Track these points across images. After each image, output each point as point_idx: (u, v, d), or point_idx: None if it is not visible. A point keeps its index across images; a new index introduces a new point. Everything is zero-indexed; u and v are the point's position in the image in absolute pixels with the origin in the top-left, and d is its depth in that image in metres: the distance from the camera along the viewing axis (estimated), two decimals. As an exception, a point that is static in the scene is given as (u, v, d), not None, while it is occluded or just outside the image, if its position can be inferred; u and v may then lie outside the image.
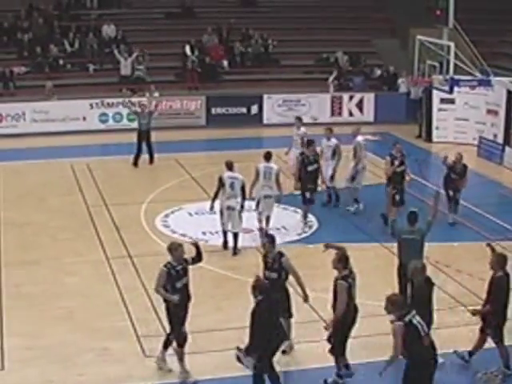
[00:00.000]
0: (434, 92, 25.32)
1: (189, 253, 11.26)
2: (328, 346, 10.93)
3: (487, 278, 11.27)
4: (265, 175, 16.54)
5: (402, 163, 17.29)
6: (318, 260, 13.93)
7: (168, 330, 11.31)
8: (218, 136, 26.43)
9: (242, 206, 16.02)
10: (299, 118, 20.95)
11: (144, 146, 22.76)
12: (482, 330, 11.43)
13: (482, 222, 18.02)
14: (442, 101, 25.86)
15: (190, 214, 18.44)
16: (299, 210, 18.03)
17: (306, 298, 11.50)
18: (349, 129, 19.82)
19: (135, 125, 23.42)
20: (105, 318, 12.95)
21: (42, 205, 19.11)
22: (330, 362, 11.05)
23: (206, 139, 27.11)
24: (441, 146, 25.57)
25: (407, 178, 17.58)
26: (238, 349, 10.20)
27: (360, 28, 32.20)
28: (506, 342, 11.49)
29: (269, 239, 11.74)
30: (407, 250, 12.59)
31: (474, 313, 11.34)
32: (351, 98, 29.36)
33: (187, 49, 29.90)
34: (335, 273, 10.85)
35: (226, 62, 30.41)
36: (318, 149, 18.73)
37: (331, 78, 29.42)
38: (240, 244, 15.96)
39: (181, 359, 11.09)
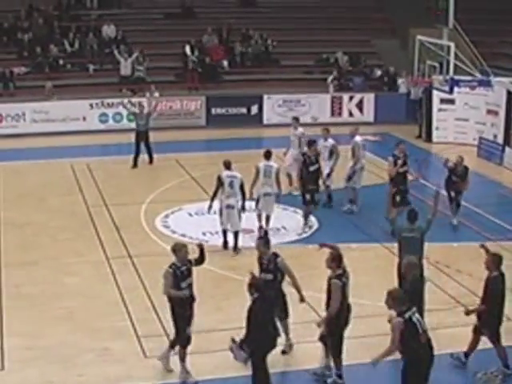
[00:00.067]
0: (434, 92, 25.32)
1: (191, 253, 11.25)
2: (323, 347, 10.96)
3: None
4: (265, 174, 16.66)
5: (404, 163, 17.27)
6: (318, 260, 13.85)
7: (172, 331, 11.29)
8: (218, 136, 26.44)
9: (244, 207, 16.04)
10: (296, 119, 20.94)
11: (143, 147, 22.75)
12: (475, 331, 11.43)
13: (482, 222, 18.03)
14: (442, 101, 25.86)
15: (190, 215, 18.44)
16: (299, 211, 18.02)
17: (302, 299, 11.50)
18: (349, 129, 19.81)
19: (135, 125, 23.38)
20: (105, 318, 12.95)
21: (42, 205, 19.12)
22: (329, 363, 11.06)
23: (206, 139, 27.11)
24: (441, 146, 25.60)
25: (411, 177, 17.58)
26: (233, 340, 10.30)
27: (360, 28, 32.21)
28: (506, 343, 11.50)
29: (263, 240, 11.72)
30: (407, 248, 12.63)
31: (467, 312, 11.35)
32: (351, 98, 29.37)
33: (187, 49, 29.92)
34: (329, 272, 10.86)
35: (226, 63, 30.43)
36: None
37: (330, 78, 29.44)
38: (240, 244, 15.96)
39: (182, 360, 11.08)
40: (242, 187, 15.89)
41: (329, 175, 18.74)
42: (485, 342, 11.52)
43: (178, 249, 10.96)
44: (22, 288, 14.21)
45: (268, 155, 16.83)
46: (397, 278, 12.63)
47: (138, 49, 29.26)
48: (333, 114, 29.12)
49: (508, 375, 11.23)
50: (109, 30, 30.45)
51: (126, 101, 24.71)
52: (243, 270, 14.26)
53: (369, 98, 29.34)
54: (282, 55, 31.16)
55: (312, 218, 17.70)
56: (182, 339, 10.99)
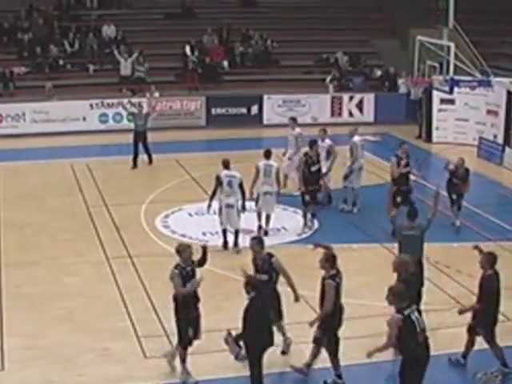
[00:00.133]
0: (434, 92, 25.32)
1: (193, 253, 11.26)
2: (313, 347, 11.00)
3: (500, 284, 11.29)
4: (265, 173, 16.76)
5: (407, 164, 17.23)
6: (317, 260, 13.91)
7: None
8: (218, 136, 26.44)
9: (244, 206, 16.07)
10: (293, 119, 20.94)
11: (141, 147, 22.72)
12: (469, 331, 11.43)
13: (482, 222, 18.03)
14: (442, 101, 25.86)
15: (190, 215, 18.44)
16: (299, 211, 18.02)
17: (296, 298, 11.51)
18: (348, 129, 19.84)
19: (133, 125, 23.30)
20: (105, 319, 12.95)
21: (42, 205, 19.12)
22: (330, 363, 11.08)
23: (206, 139, 27.12)
24: (441, 146, 25.61)
25: (413, 177, 17.55)
26: (229, 333, 10.36)
27: (360, 28, 32.21)
28: (506, 343, 11.50)
29: (256, 241, 11.69)
30: (407, 246, 12.67)
31: (460, 311, 11.35)
32: (351, 98, 29.37)
33: (187, 49, 29.93)
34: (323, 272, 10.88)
35: (226, 63, 30.44)
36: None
37: (329, 79, 29.46)
38: (241, 244, 15.95)
39: (183, 360, 11.09)
40: (241, 186, 15.93)
41: (325, 174, 18.75)
42: (483, 342, 11.54)
43: (183, 249, 10.98)
44: (22, 288, 14.21)
45: (268, 154, 16.95)
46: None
47: (138, 49, 29.26)
48: (333, 114, 29.13)
49: (507, 374, 11.22)
50: (109, 30, 30.46)
51: (125, 101, 24.70)
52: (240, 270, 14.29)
53: (369, 98, 29.35)
54: (282, 55, 31.17)
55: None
56: (183, 340, 10.99)
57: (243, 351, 10.51)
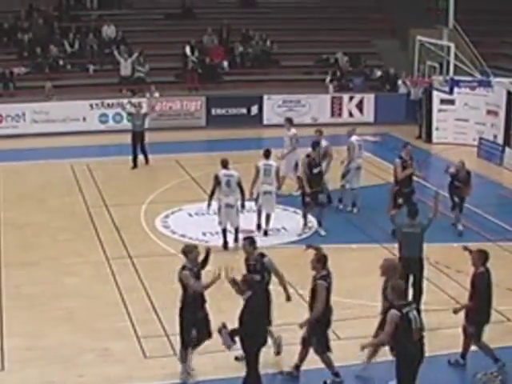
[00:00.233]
0: (434, 93, 25.31)
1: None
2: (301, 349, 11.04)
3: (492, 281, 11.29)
4: (265, 172, 16.84)
5: (410, 165, 17.17)
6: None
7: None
8: (218, 137, 26.44)
9: (243, 205, 16.10)
10: (289, 120, 20.92)
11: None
12: (465, 331, 11.44)
13: (482, 222, 18.03)
14: (442, 101, 25.85)
15: (190, 215, 18.44)
16: (299, 211, 18.00)
17: (288, 298, 11.50)
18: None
19: (131, 126, 23.24)
20: (105, 319, 12.95)
21: (42, 205, 19.12)
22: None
23: (206, 140, 27.12)
24: (441, 146, 25.61)
25: (415, 177, 17.53)
26: (224, 326, 10.41)
27: (360, 29, 32.19)
28: (506, 343, 11.51)
29: (248, 241, 11.68)
30: (407, 244, 12.74)
31: (455, 311, 11.35)
32: (351, 98, 29.37)
33: (187, 49, 29.93)
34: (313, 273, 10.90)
35: (226, 63, 30.44)
36: (309, 150, 18.84)
37: (328, 79, 29.46)
38: (241, 244, 15.93)
39: (184, 361, 11.09)
40: (239, 185, 15.96)
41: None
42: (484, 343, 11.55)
43: (189, 250, 10.99)
44: (22, 288, 14.22)
45: (267, 154, 17.04)
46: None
47: (138, 49, 29.26)
48: (333, 114, 29.12)
49: (502, 368, 11.23)
50: (109, 31, 30.46)
51: (125, 101, 24.69)
52: (243, 270, 14.28)
53: (369, 99, 29.34)
54: (282, 56, 31.15)
55: (312, 219, 17.69)
56: (185, 341, 10.98)
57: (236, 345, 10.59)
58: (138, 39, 30.18)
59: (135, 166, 22.57)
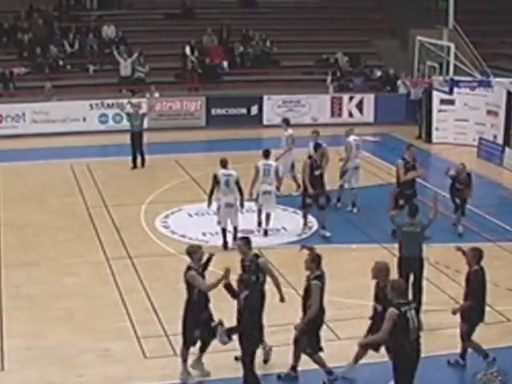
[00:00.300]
0: (434, 93, 25.31)
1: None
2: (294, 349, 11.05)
3: (486, 279, 11.28)
4: (264, 172, 16.90)
5: (413, 168, 17.06)
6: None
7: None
8: (218, 137, 26.44)
9: (242, 204, 16.12)
10: (285, 120, 20.88)
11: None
12: None
13: (482, 222, 18.03)
14: (442, 102, 25.85)
15: (190, 215, 18.44)
16: (299, 211, 18.00)
17: (282, 299, 11.47)
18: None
19: (129, 126, 23.20)
20: (105, 319, 12.95)
21: (42, 206, 19.12)
22: (329, 363, 11.09)
23: (205, 140, 27.11)
24: (441, 146, 25.61)
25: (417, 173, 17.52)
26: (221, 323, 10.45)
27: (360, 29, 32.20)
28: (506, 343, 11.51)
29: (244, 241, 11.65)
30: (407, 243, 12.75)
31: (454, 312, 11.35)
32: (351, 98, 29.36)
33: (187, 50, 29.92)
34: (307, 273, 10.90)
35: (225, 63, 30.43)
36: (306, 151, 18.88)
37: (329, 80, 29.46)
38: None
39: (184, 360, 11.09)
40: (237, 183, 15.99)
41: None
42: (483, 342, 11.55)
43: (194, 251, 11.00)
44: (21, 288, 14.22)
45: (267, 154, 17.10)
46: (397, 273, 12.63)
47: (137, 49, 29.26)
48: (333, 114, 29.12)
49: (490, 364, 11.25)
50: (109, 31, 30.46)
51: (125, 102, 24.67)
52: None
53: (369, 99, 29.34)
54: (282, 56, 31.15)
55: (312, 219, 17.69)
56: (187, 341, 10.99)
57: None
58: (137, 39, 30.18)
59: (135, 166, 22.57)
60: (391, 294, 9.78)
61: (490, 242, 16.48)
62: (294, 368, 11.15)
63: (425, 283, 13.11)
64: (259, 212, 17.17)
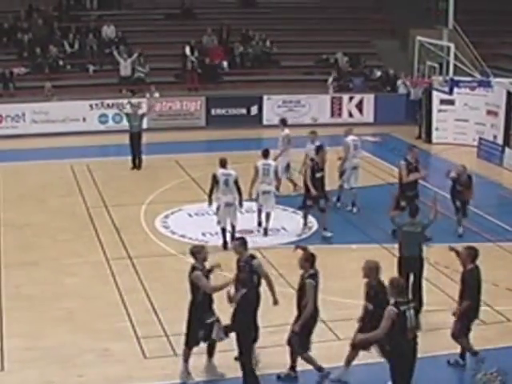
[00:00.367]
0: (434, 93, 25.32)
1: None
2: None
3: (486, 279, 11.28)
4: (263, 172, 16.92)
5: (416, 169, 17.01)
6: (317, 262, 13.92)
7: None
8: (218, 137, 26.44)
9: (241, 203, 16.13)
10: (283, 120, 20.86)
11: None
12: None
13: (482, 223, 18.02)
14: (442, 102, 25.85)
15: (190, 215, 18.45)
16: (299, 212, 18.00)
17: (275, 302, 11.39)
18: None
19: (128, 126, 23.18)
20: (105, 319, 12.95)
21: (42, 206, 19.12)
22: (328, 364, 11.11)
23: (205, 140, 27.11)
24: (441, 146, 25.61)
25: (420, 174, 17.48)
26: (218, 320, 10.46)
27: (360, 29, 32.21)
28: (506, 343, 11.50)
29: (240, 241, 11.62)
30: (407, 243, 12.77)
31: (454, 314, 11.35)
32: (351, 98, 29.36)
33: (187, 50, 29.92)
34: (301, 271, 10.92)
35: (225, 63, 30.44)
36: (303, 151, 18.88)
37: (330, 80, 29.46)
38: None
39: (185, 360, 11.08)
40: (236, 183, 16.00)
41: None
42: (483, 342, 11.55)
43: (198, 251, 11.00)
44: (21, 288, 14.22)
45: (266, 154, 17.13)
46: (397, 272, 12.64)
47: (137, 49, 29.26)
48: (333, 114, 29.12)
49: (480, 362, 11.25)
50: (108, 31, 30.46)
51: (125, 102, 24.67)
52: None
53: (369, 99, 29.34)
54: (282, 56, 31.16)
55: (312, 219, 17.69)
56: (190, 341, 10.99)
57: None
58: (137, 39, 30.19)
59: (135, 166, 22.58)
60: (390, 290, 9.81)
61: (490, 242, 16.49)
62: (293, 368, 11.15)
63: (425, 283, 13.13)
64: (259, 212, 17.21)
